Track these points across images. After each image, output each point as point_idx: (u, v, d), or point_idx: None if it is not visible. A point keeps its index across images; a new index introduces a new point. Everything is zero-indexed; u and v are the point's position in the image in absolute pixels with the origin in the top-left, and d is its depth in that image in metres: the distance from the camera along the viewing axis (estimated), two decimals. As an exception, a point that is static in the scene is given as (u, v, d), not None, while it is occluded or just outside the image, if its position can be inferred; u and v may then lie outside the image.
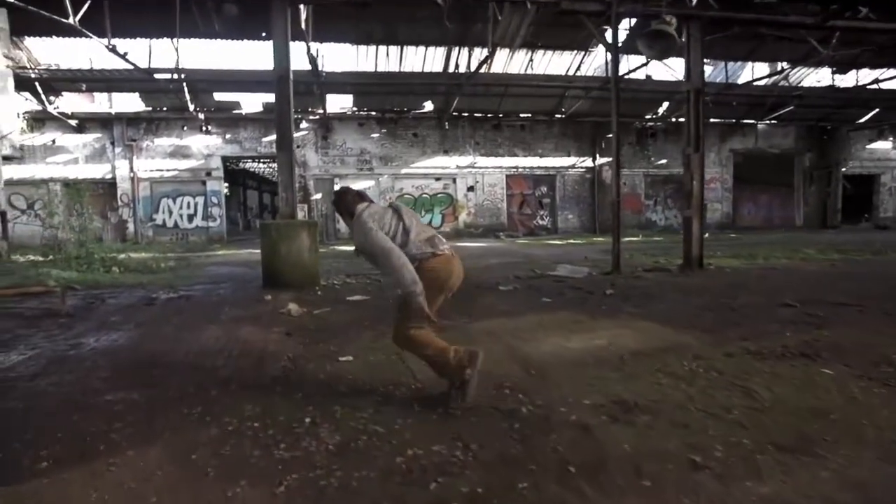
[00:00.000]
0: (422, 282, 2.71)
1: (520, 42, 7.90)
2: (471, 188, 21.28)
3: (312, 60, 13.06)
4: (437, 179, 21.03)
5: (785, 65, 19.85)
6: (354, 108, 19.54)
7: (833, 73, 20.92)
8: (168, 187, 18.76)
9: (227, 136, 18.95)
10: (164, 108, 18.13)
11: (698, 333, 4.19)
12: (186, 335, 4.40)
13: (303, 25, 10.87)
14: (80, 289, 7.28)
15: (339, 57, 16.28)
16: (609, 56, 17.68)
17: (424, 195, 20.94)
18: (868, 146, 25.96)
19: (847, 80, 21.13)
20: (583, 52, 17.61)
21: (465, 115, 20.44)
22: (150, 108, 18.13)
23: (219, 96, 17.92)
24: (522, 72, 17.68)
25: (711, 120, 22.94)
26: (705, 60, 20.04)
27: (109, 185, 18.24)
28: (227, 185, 26.43)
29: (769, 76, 19.87)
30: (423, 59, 16.84)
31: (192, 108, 17.54)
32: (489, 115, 20.83)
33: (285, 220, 7.17)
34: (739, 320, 4.77)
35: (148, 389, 3.03)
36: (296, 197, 7.22)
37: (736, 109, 22.19)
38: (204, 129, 18.56)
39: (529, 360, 3.48)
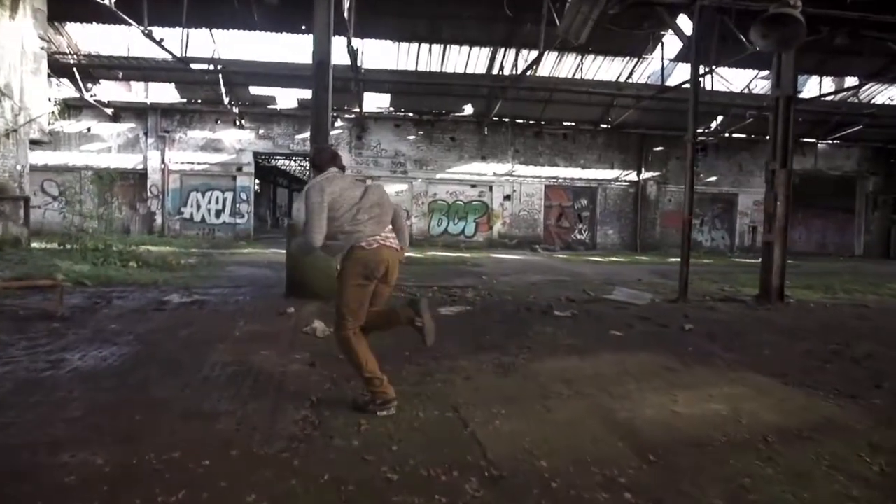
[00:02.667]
0: (347, 267, 2.88)
1: (587, 35, 6.96)
2: (507, 197, 20.34)
3: (352, 54, 12.39)
4: (473, 186, 20.16)
5: (854, 80, 18.41)
6: (391, 108, 18.87)
7: (908, 91, 19.36)
8: (198, 181, 18.39)
9: (261, 131, 18.50)
10: (199, 101, 17.79)
11: (842, 400, 3.19)
12: (189, 359, 3.61)
13: (345, 15, 10.20)
14: (90, 285, 6.66)
15: (379, 54, 15.67)
16: (659, 62, 16.86)
17: (459, 202, 20.10)
18: (938, 172, 23.99)
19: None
20: (635, 60, 16.58)
21: (506, 120, 19.55)
22: (184, 100, 17.81)
23: (254, 90, 17.49)
24: (570, 77, 16.74)
25: (766, 137, 21.50)
26: (761, 74, 18.87)
27: (140, 176, 17.98)
28: (257, 181, 26.16)
29: (835, 92, 18.46)
30: (467, 59, 16.07)
31: (226, 101, 17.15)
32: (531, 122, 19.90)
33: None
34: (878, 379, 3.73)
35: (120, 448, 2.22)
36: (328, 196, 6.45)
37: (796, 126, 20.69)
38: (237, 123, 18.15)
39: (636, 434, 2.55)
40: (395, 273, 3.10)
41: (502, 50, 15.61)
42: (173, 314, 5.15)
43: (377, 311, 3.09)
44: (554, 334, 4.85)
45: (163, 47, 12.04)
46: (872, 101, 19.49)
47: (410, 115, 19.10)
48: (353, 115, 18.50)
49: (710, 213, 22.68)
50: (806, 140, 22.25)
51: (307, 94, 15.11)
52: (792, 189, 22.42)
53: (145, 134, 17.87)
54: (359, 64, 13.80)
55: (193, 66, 14.63)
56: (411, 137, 19.35)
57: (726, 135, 20.64)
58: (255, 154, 18.87)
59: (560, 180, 20.80)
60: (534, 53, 13.90)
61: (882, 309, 7.50)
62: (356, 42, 12.81)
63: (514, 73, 15.11)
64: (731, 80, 17.15)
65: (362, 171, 18.98)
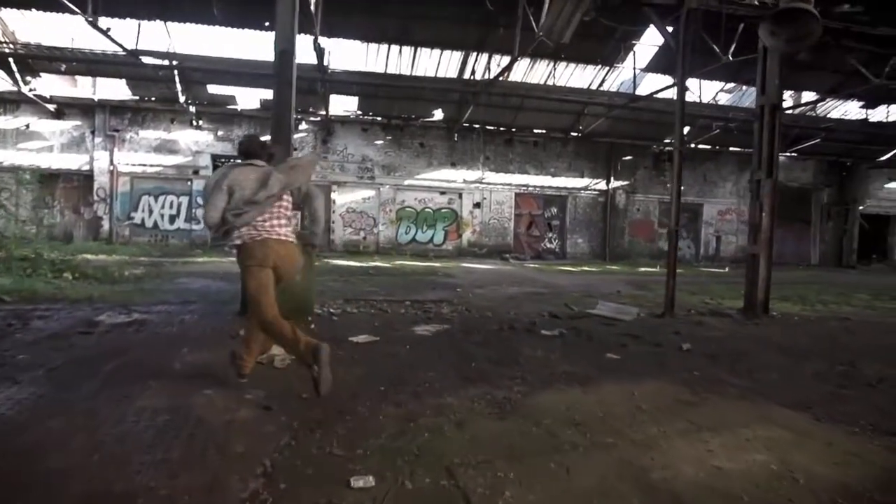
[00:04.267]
0: (239, 256, 3.15)
1: (570, 35, 6.59)
2: (477, 205, 19.94)
3: (319, 53, 11.72)
4: (443, 193, 19.67)
5: (812, 95, 18.95)
6: (359, 112, 18.19)
7: (861, 107, 20.09)
8: (150, 184, 17.19)
9: (220, 132, 17.48)
10: (153, 99, 16.65)
11: (886, 440, 2.79)
12: (109, 405, 2.88)
13: (312, 10, 9.57)
14: (8, 301, 5.75)
15: (347, 55, 15.04)
16: (630, 72, 16.88)
17: (427, 209, 19.55)
18: (886, 185, 25.08)
19: (875, 114, 20.30)
20: (607, 68, 16.50)
21: (477, 126, 19.18)
22: (136, 98, 16.63)
23: (213, 89, 16.50)
24: (543, 83, 16.51)
25: (730, 148, 21.98)
26: (727, 86, 19.17)
27: (86, 178, 16.64)
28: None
29: (794, 106, 18.94)
30: (438, 63, 15.58)
31: (182, 99, 16.10)
32: (502, 129, 19.60)
33: (276, 230, 5.72)
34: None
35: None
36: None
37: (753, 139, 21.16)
38: (194, 123, 17.09)
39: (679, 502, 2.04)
40: (288, 266, 3.26)
41: (474, 54, 15.21)
42: (102, 339, 4.37)
43: (284, 325, 3.16)
44: (546, 358, 4.35)
45: (111, 38, 11.09)
46: (828, 116, 20.14)
47: (379, 119, 18.48)
48: (318, 118, 17.74)
49: (676, 223, 22.86)
50: (767, 152, 22.80)
51: (270, 94, 14.26)
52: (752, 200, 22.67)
53: (92, 133, 16.57)
54: (325, 64, 13.12)
55: (146, 60, 13.63)
56: (379, 142, 18.73)
57: (692, 145, 20.92)
58: (214, 157, 17.79)
59: (530, 188, 20.57)
60: (506, 59, 13.58)
61: (864, 321, 7.36)
62: (323, 41, 12.15)
63: (486, 77, 14.73)
64: (696, 91, 17.29)
65: (328, 176, 18.22)
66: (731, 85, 18.67)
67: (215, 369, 3.51)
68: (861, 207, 24.58)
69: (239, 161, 3.28)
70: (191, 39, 14.16)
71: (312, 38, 10.84)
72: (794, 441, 2.68)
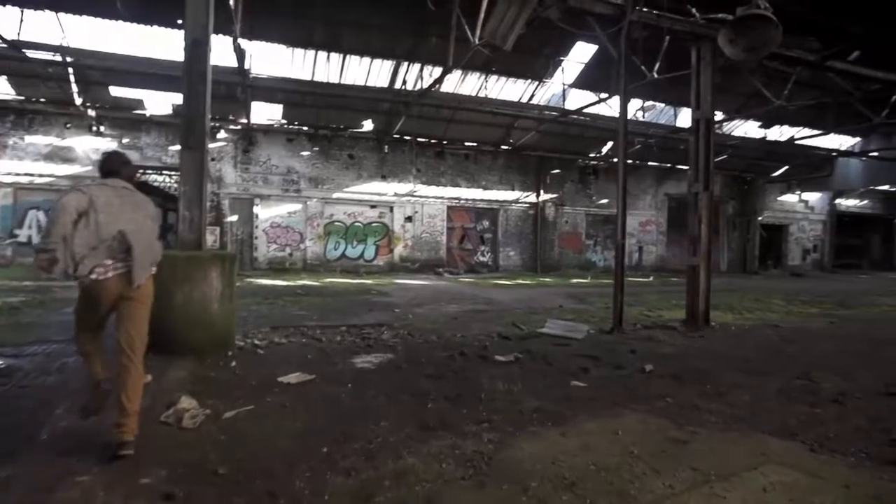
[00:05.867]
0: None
1: (513, 41, 6.31)
2: (409, 218, 19.42)
3: (240, 55, 10.74)
4: (373, 207, 18.97)
5: (720, 115, 20.40)
6: (283, 121, 17.12)
7: (760, 126, 21.92)
8: (39, 196, 15.02)
9: (125, 140, 15.70)
10: (42, 99, 14.64)
11: (891, 472, 2.57)
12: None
13: (231, 6, 8.68)
14: None
15: (270, 60, 14.00)
16: (559, 87, 17.25)
17: (357, 223, 18.76)
18: (779, 198, 27.58)
19: (771, 133, 22.23)
20: (536, 83, 16.72)
21: (408, 138, 18.72)
22: (21, 97, 14.54)
23: (116, 91, 14.79)
24: (475, 95, 16.40)
25: (649, 163, 23.14)
26: (646, 104, 20.17)
27: (-46, 191, 14.28)
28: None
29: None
30: (368, 71, 15.01)
31: (79, 101, 14.32)
32: (433, 141, 19.30)
33: (187, 251, 4.85)
34: (879, 425, 3.28)
35: None
36: (205, 218, 4.95)
37: (671, 154, 22.46)
38: (94, 128, 15.23)
39: None
40: (126, 308, 2.82)
41: (406, 64, 14.81)
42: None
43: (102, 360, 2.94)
44: (509, 392, 3.87)
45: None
46: (733, 134, 21.75)
47: (305, 128, 17.50)
48: (239, 126, 16.47)
49: (602, 234, 23.69)
50: (680, 167, 24.30)
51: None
52: (668, 211, 24.16)
53: (-39, 138, 14.28)
54: (247, 67, 12.11)
55: (31, 54, 11.89)
56: (305, 153, 17.73)
57: (614, 160, 21.75)
58: (117, 167, 15.95)
59: (462, 201, 20.40)
60: (438, 69, 13.29)
61: (794, 329, 7.62)
62: (244, 44, 11.17)
63: (420, 87, 14.33)
64: (614, 107, 17.86)
65: (249, 188, 16.94)
66: (649, 103, 19.57)
67: (103, 437, 2.69)
68: (760, 218, 26.81)
69: (95, 182, 2.90)
70: (91, 35, 12.51)
71: (232, 38, 9.89)
72: (809, 486, 2.37)
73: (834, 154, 23.75)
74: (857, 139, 23.96)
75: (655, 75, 11.19)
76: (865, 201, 30.44)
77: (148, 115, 15.65)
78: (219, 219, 16.42)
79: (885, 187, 28.79)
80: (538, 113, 17.33)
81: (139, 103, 15.42)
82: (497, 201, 20.90)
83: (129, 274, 2.73)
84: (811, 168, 25.53)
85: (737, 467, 2.54)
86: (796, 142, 21.72)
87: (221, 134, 16.54)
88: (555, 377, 4.38)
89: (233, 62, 11.25)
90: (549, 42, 14.39)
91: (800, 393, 4.12)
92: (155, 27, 12.26)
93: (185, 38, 4.64)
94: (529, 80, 16.50)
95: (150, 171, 20.53)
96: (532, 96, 17.16)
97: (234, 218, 16.88)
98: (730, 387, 4.20)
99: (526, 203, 21.45)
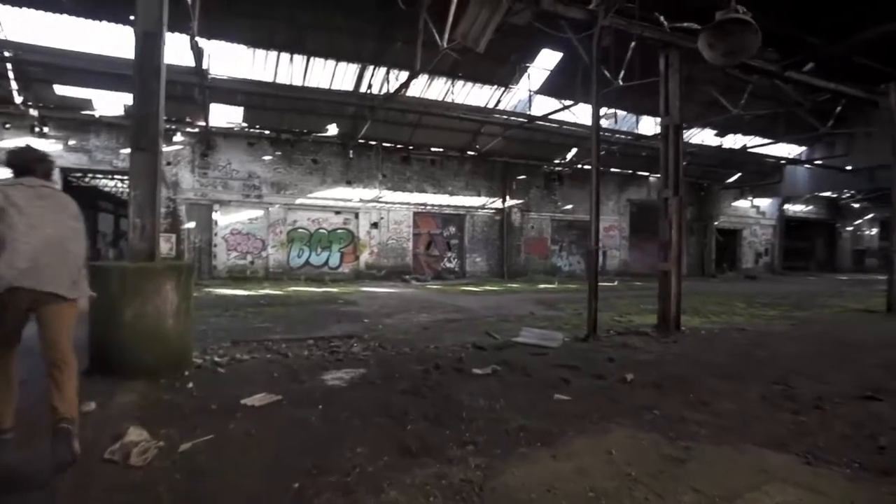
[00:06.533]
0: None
1: (485, 44, 6.19)
2: (375, 225, 19.09)
3: (197, 54, 10.22)
4: (338, 213, 18.55)
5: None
6: (244, 125, 16.52)
7: (716, 135, 22.74)
8: (-29, 204, 13.91)
9: (71, 142, 14.77)
10: (-26, 98, 13.61)
11: (889, 484, 2.51)
12: None
13: (188, 0, 8.22)
14: None
15: (231, 60, 13.46)
16: (524, 93, 17.35)
17: (322, 230, 18.29)
18: (733, 204, 28.67)
19: (726, 142, 23.08)
20: (502, 89, 16.76)
21: (373, 143, 18.44)
22: (-51, 96, 13.48)
23: (62, 90, 13.90)
24: (441, 100, 16.28)
25: (612, 169, 23.59)
26: (605, 111, 20.59)
27: None
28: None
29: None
30: (332, 75, 14.67)
31: (19, 100, 13.38)
32: (399, 146, 19.07)
33: (138, 262, 4.44)
34: (862, 431, 3.27)
35: None
36: (158, 226, 4.55)
37: (633, 161, 22.99)
38: (36, 129, 14.23)
39: None
40: (51, 324, 2.57)
41: (371, 67, 14.55)
42: None
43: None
44: (490, 409, 3.68)
45: None
46: (691, 141, 22.44)
47: (267, 132, 16.95)
48: (196, 129, 15.77)
49: (567, 240, 23.97)
50: (641, 173, 24.93)
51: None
52: (630, 217, 24.64)
53: None
54: (205, 67, 11.56)
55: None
56: (267, 158, 17.15)
57: (579, 166, 22.10)
58: (65, 170, 15.01)
59: (429, 207, 20.22)
60: (404, 74, 13.11)
61: (759, 332, 7.75)
62: (202, 42, 10.66)
63: (386, 92, 14.08)
64: (581, 115, 18.02)
65: (208, 194, 16.23)
66: (610, 111, 19.96)
67: (22, 489, 2.32)
68: (716, 223, 27.79)
69: (12, 180, 2.64)
70: (33, 29, 11.68)
71: (189, 36, 9.39)
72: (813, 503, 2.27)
73: (783, 162, 24.88)
74: (804, 148, 25.20)
75: (621, 83, 11.34)
76: (811, 207, 32.07)
77: (97, 115, 14.79)
78: (175, 226, 15.65)
79: (828, 193, 30.50)
80: (505, 119, 17.35)
81: (88, 103, 14.55)
82: (463, 207, 20.83)
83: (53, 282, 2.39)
84: (762, 175, 26.67)
85: (739, 487, 2.42)
86: (749, 150, 22.63)
87: (178, 137, 15.80)
88: (536, 390, 4.22)
89: (190, 62, 10.72)
90: (516, 48, 14.45)
91: (781, 399, 4.10)
92: (105, 23, 11.56)
93: (135, 30, 4.27)
94: (496, 86, 16.53)
95: (99, 176, 19.48)
96: (498, 102, 17.19)
97: (192, 225, 16.12)
98: (712, 394, 4.14)
99: (492, 209, 21.46)
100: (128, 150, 14.41)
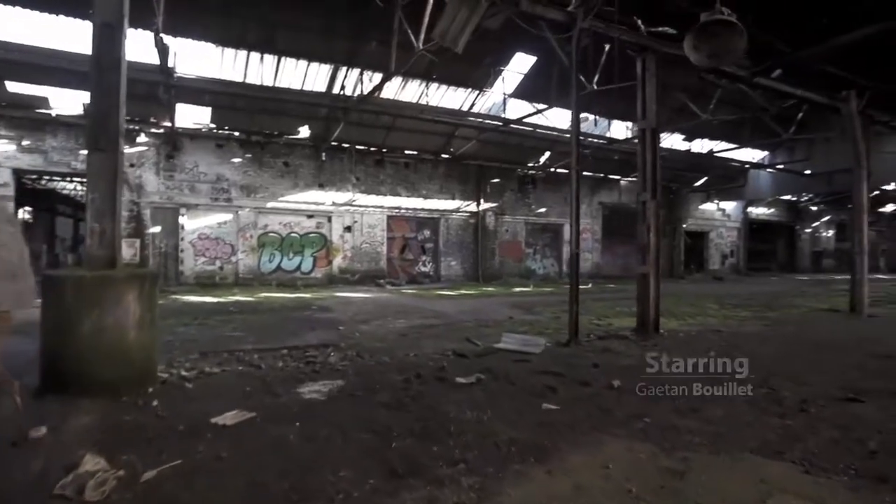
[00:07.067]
0: None
1: (463, 44, 6.07)
2: (348, 228, 18.76)
3: (162, 52, 9.78)
4: (310, 217, 18.14)
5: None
6: (213, 126, 15.99)
7: (684, 139, 23.27)
8: (-87, 208, 13.01)
9: (25, 142, 13.99)
10: (-84, 96, 12.77)
11: (890, 494, 2.47)
12: None
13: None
14: None
15: (198, 60, 12.99)
16: (498, 96, 17.34)
17: (294, 234, 17.86)
18: (700, 207, 29.41)
19: (694, 146, 23.65)
20: (476, 92, 16.71)
21: (346, 146, 18.13)
22: None
23: (15, 87, 13.15)
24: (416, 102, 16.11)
25: (584, 173, 23.83)
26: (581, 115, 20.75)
27: None
28: (28, 208, 20.36)
29: (633, 138, 21.21)
30: (305, 75, 14.34)
31: (-35, 98, 12.61)
32: (372, 149, 18.80)
33: (97, 270, 4.12)
34: (851, 435, 3.25)
35: None
36: (118, 231, 4.25)
37: (605, 165, 23.30)
38: (-15, 129, 13.48)
39: None
40: None
41: (344, 68, 14.28)
42: None
43: None
44: (478, 421, 3.52)
45: None
46: (661, 146, 22.81)
47: (236, 134, 16.46)
48: (162, 130, 15.17)
49: (540, 243, 24.10)
50: (612, 177, 25.31)
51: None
52: (602, 220, 24.90)
53: None
54: (171, 66, 11.10)
55: None
56: (237, 160, 16.64)
57: (553, 169, 22.26)
58: (18, 172, 14.21)
59: (403, 210, 20.01)
60: (378, 76, 12.91)
61: (734, 333, 7.85)
62: (168, 40, 10.21)
63: (359, 93, 13.83)
64: (555, 119, 18.14)
65: (174, 197, 15.63)
66: (583, 115, 20.16)
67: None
68: (684, 226, 28.45)
69: None
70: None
71: (153, 32, 8.97)
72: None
73: (747, 166, 25.64)
74: (767, 153, 26.05)
75: (595, 87, 11.42)
76: (773, 210, 33.22)
77: (54, 114, 14.05)
78: (139, 230, 15.01)
79: (789, 197, 31.67)
80: (479, 122, 17.30)
81: (44, 101, 13.82)
82: (438, 210, 20.69)
83: None
84: (727, 179, 27.42)
85: (744, 501, 2.33)
86: (715, 154, 23.23)
87: (142, 138, 15.17)
88: (523, 400, 4.09)
89: (155, 59, 10.26)
90: (490, 52, 14.42)
91: (766, 402, 4.08)
92: (62, 17, 10.99)
93: (93, 21, 3.96)
94: (470, 89, 16.48)
95: (57, 178, 18.57)
96: (472, 105, 17.14)
97: (157, 229, 15.49)
98: (699, 400, 4.09)
99: (466, 212, 21.39)
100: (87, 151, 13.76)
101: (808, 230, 35.93)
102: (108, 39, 3.87)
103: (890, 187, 26.94)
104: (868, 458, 2.98)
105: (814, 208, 34.87)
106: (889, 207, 34.26)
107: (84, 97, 13.51)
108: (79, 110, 14.00)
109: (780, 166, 25.05)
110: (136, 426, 3.25)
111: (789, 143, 23.04)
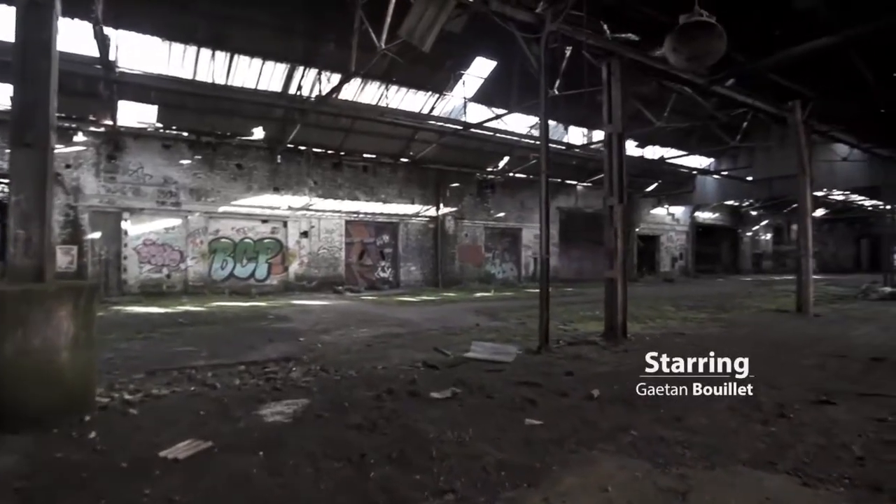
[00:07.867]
0: None
1: (431, 43, 5.86)
2: (305, 233, 18.12)
3: (103, 44, 9.04)
4: (265, 222, 17.41)
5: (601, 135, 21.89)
6: (159, 125, 15.04)
7: (636, 146, 23.96)
8: None
9: (-62, 141, 12.67)
10: None
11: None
12: None
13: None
14: None
15: (142, 54, 12.16)
16: (458, 100, 17.23)
17: (247, 240, 17.07)
18: (651, 211, 30.39)
19: (646, 152, 24.39)
20: (436, 96, 16.55)
21: (303, 148, 17.52)
22: None
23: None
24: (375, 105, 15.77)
25: (542, 178, 24.05)
26: (537, 121, 20.97)
27: None
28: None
29: (591, 143, 21.65)
30: (259, 74, 13.73)
31: None
32: (330, 152, 18.28)
33: (22, 284, 3.61)
34: (835, 440, 3.23)
35: None
36: (48, 238, 3.75)
37: (563, 170, 23.66)
38: None
39: None
40: None
41: (301, 68, 13.78)
42: None
43: None
44: (460, 441, 3.28)
45: None
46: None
47: (185, 134, 15.55)
48: (102, 129, 14.12)
49: (500, 247, 24.16)
50: (569, 182, 25.72)
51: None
52: (561, 224, 25.22)
53: None
54: (112, 59, 10.30)
55: None
56: (186, 162, 15.74)
57: (511, 174, 22.39)
58: (-74, 173, 12.84)
59: (361, 215, 19.55)
60: (336, 77, 12.52)
61: (697, 335, 7.98)
62: (109, 32, 9.47)
63: (317, 94, 13.37)
64: (513, 124, 18.21)
65: (116, 200, 14.58)
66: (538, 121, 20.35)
67: None
68: (637, 229, 29.28)
69: None
70: None
71: (93, 23, 8.26)
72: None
73: (695, 172, 26.70)
74: (712, 160, 27.24)
75: (556, 92, 11.48)
76: (717, 214, 34.84)
77: (-26, 110, 12.80)
78: (77, 236, 13.89)
79: (732, 202, 33.35)
80: (439, 126, 17.13)
81: (-39, 95, 12.58)
82: (397, 215, 20.36)
83: None
84: (677, 184, 28.45)
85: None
86: (666, 161, 24.06)
87: (80, 136, 14.06)
88: (503, 415, 3.88)
89: (94, 52, 9.49)
90: (451, 55, 14.30)
91: (745, 408, 4.05)
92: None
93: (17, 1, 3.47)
94: (430, 93, 16.29)
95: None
96: (433, 109, 16.96)
97: (97, 235, 14.39)
98: (680, 408, 4.01)
99: (426, 217, 21.15)
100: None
101: (749, 234, 37.86)
102: (35, 20, 3.38)
103: (820, 193, 28.71)
104: (857, 464, 2.95)
105: (754, 213, 36.82)
106: (820, 212, 36.58)
107: (10, 90, 12.40)
108: (6, 104, 12.82)
109: (725, 173, 26.24)
110: (69, 465, 2.80)
111: (733, 151, 24.14)
